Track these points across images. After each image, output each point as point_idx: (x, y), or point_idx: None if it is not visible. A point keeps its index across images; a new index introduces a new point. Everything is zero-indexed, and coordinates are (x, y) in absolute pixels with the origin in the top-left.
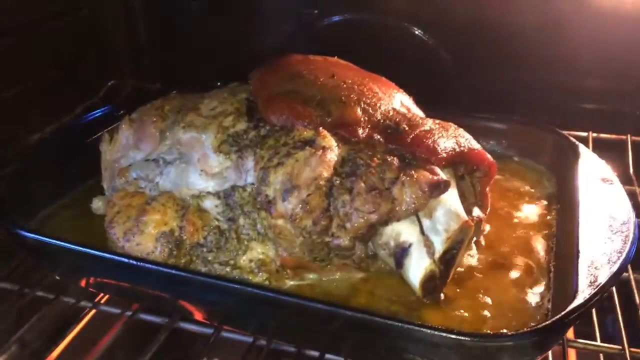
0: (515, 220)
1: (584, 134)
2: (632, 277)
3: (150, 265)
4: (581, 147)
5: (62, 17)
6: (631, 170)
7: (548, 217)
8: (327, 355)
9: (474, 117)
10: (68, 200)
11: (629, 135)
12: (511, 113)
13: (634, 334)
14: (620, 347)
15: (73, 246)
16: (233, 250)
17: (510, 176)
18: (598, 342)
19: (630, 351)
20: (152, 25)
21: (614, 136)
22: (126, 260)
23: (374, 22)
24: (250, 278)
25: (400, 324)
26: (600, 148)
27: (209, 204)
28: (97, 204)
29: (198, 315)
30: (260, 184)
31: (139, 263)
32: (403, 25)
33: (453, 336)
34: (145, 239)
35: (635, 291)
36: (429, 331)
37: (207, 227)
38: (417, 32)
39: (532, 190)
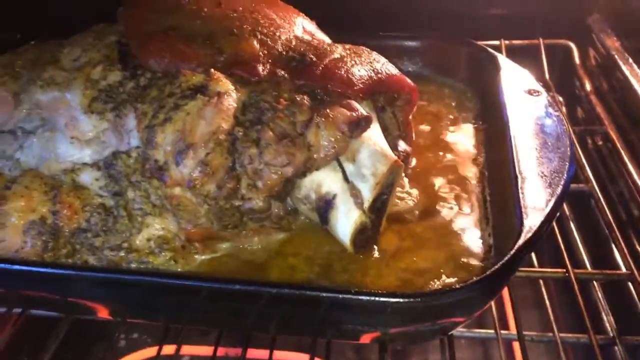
0: (441, 148)
1: (497, 42)
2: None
3: (18, 267)
4: (501, 58)
5: None
6: (547, 75)
7: (475, 140)
8: None
9: (383, 37)
10: None
11: (541, 40)
12: (419, 29)
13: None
14: (564, 270)
15: None
16: (125, 231)
17: (429, 99)
18: (539, 268)
19: (574, 272)
20: None
21: (526, 42)
22: None
23: None
24: (151, 260)
25: (321, 294)
26: (514, 55)
27: (87, 177)
28: None
29: (100, 313)
30: (147, 147)
31: (2, 265)
32: None
33: (396, 299)
34: (9, 234)
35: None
36: (364, 298)
37: (89, 207)
38: None
39: (454, 112)
